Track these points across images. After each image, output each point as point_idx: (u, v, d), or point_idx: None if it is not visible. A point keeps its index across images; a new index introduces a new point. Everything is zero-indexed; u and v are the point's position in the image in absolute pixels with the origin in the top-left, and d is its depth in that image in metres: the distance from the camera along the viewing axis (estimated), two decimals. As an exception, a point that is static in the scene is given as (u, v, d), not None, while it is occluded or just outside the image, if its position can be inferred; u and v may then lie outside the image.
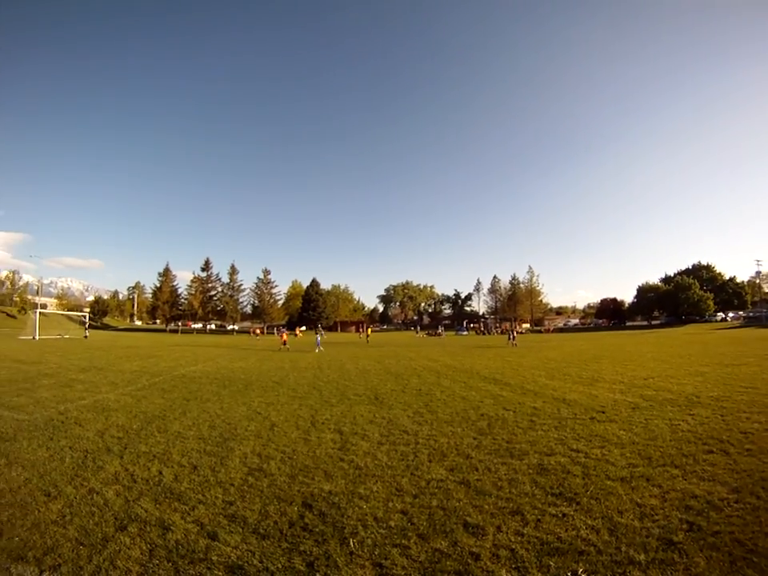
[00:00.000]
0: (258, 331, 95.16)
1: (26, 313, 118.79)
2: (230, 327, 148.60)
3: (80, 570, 5.02)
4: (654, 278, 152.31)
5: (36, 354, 35.90)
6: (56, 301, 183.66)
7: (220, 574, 4.92)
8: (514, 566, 4.86)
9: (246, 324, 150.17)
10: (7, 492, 7.37)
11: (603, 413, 12.56)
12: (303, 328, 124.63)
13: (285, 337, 53.01)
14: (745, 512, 5.99)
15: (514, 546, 5.25)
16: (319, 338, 48.64)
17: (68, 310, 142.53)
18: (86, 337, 73.35)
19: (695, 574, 4.62)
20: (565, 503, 6.44)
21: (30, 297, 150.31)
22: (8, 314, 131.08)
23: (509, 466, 8.26)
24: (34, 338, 63.58)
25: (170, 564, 5.10)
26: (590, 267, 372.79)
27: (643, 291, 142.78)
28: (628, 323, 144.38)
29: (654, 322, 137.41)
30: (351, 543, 5.49)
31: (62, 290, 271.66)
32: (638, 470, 7.74)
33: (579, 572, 4.67)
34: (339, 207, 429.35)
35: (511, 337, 53.94)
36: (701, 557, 4.90)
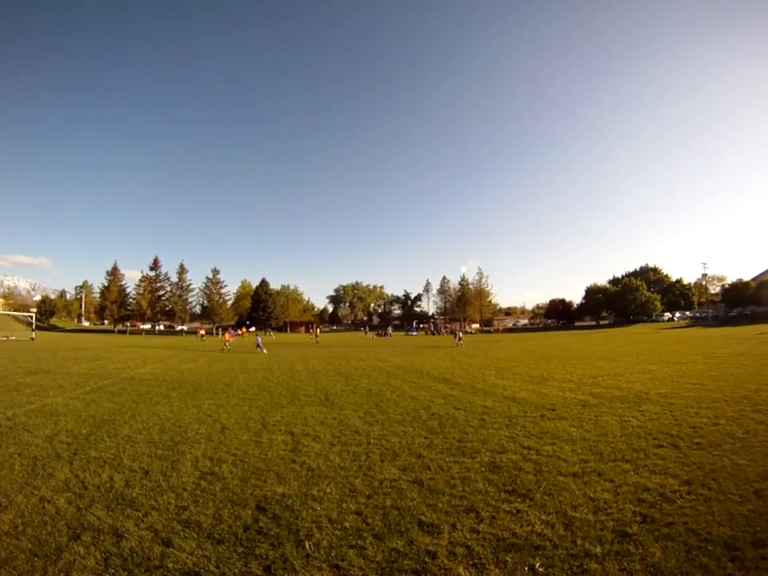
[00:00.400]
0: (203, 332, 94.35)
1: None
2: (179, 328, 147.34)
3: (36, 582, 4.91)
4: (602, 280, 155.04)
5: (-20, 357, 35.04)
6: (2, 300, 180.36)
7: (177, 580, 4.84)
8: (471, 562, 4.86)
9: (195, 324, 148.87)
10: (-45, 502, 7.17)
11: (553, 410, 12.72)
12: (253, 329, 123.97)
13: (227, 337, 53.06)
14: (697, 503, 6.11)
15: (470, 543, 5.25)
16: (259, 339, 48.47)
17: (14, 310, 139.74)
18: (32, 338, 71.81)
19: (651, 563, 4.67)
20: (518, 500, 6.47)
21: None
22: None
23: (461, 464, 8.30)
24: (-23, 339, 62.07)
25: (126, 573, 4.99)
26: (539, 268, 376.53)
27: (591, 292, 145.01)
28: (576, 323, 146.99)
29: (602, 322, 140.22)
30: (307, 545, 5.45)
31: (8, 289, 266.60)
32: (590, 466, 7.84)
33: (537, 566, 4.68)
34: (289, 207, 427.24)
35: (457, 337, 54.53)
36: (656, 547, 4.97)
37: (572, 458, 8.35)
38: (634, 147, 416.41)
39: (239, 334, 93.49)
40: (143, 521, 6.31)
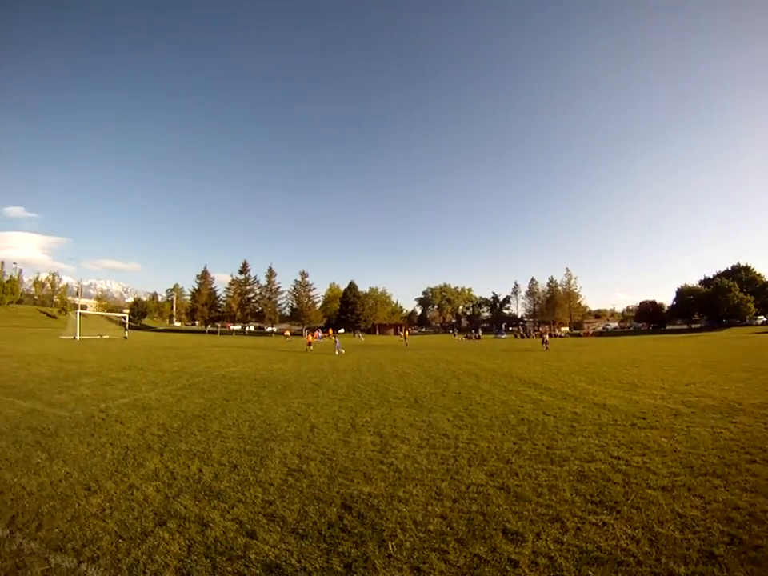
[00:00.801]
0: (288, 333, 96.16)
1: (66, 313, 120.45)
2: (269, 329, 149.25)
3: (118, 562, 5.18)
4: (694, 280, 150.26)
5: (77, 353, 36.62)
6: (95, 302, 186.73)
7: (257, 572, 5.02)
8: (552, 574, 4.86)
9: (285, 326, 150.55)
10: (48, 485, 7.61)
11: (644, 419, 12.41)
12: (342, 331, 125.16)
13: (311, 338, 54.12)
14: (788, 525, 5.87)
15: (553, 554, 5.23)
16: (338, 341, 48.57)
17: (108, 311, 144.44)
18: (125, 337, 74.32)
19: (735, 588, 4.57)
20: (605, 511, 6.39)
21: (69, 298, 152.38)
22: (49, 315, 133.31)
23: (549, 471, 8.22)
24: (74, 337, 64.42)
25: (208, 560, 5.22)
26: (629, 269, 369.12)
27: (682, 294, 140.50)
28: (668, 326, 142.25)
29: (693, 326, 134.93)
30: (390, 546, 5.53)
31: (102, 291, 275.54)
32: (680, 479, 7.64)
33: None
34: (378, 210, 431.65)
35: (544, 341, 53.88)
36: (741, 571, 4.83)
37: (662, 470, 8.15)
38: (728, 147, 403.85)
39: (326, 335, 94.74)
40: (229, 512, 6.56)
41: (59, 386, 18.39)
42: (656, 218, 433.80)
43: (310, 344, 51.24)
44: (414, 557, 5.27)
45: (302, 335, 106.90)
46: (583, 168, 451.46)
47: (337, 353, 44.19)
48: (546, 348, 49.88)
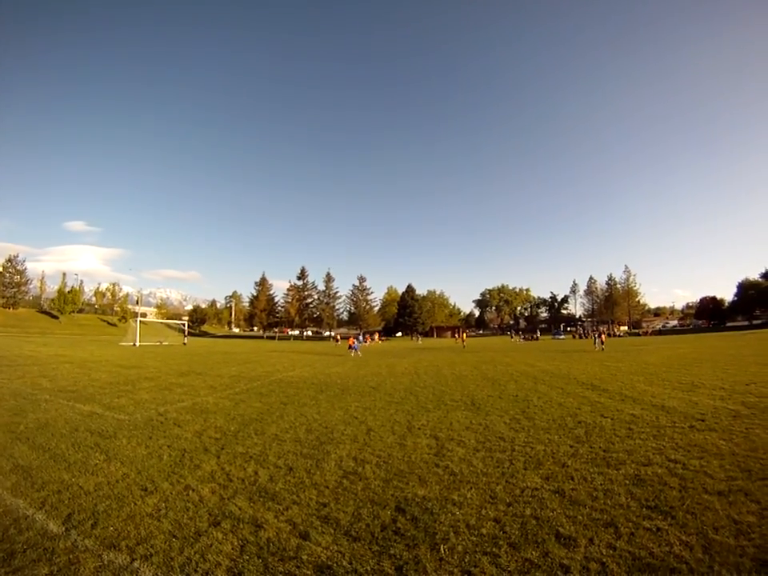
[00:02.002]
0: (338, 337, 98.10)
1: (126, 321, 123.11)
2: (327, 334, 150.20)
3: (170, 560, 5.36)
4: (756, 273, 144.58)
5: (136, 359, 37.40)
6: (155, 310, 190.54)
7: (308, 572, 5.12)
8: (603, 580, 4.86)
9: (343, 330, 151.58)
10: (105, 485, 7.89)
11: (703, 421, 12.23)
12: (399, 334, 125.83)
13: (351, 341, 54.26)
14: None
15: (605, 560, 5.23)
16: (357, 344, 50.49)
17: (167, 319, 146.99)
18: (184, 343, 76.01)
19: (788, 598, 4.52)
20: (660, 517, 6.34)
21: (129, 306, 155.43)
22: (109, 323, 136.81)
23: (605, 475, 8.19)
24: (134, 344, 65.90)
25: (260, 560, 5.35)
26: (687, 264, 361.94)
27: (744, 288, 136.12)
28: (728, 323, 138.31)
29: (755, 322, 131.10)
30: (442, 549, 5.57)
31: (161, 299, 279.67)
32: (737, 484, 7.53)
33: None
34: (435, 213, 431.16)
35: (596, 341, 53.61)
36: (794, 581, 4.77)
37: (719, 474, 8.05)
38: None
39: (374, 340, 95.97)
40: (283, 514, 6.69)
41: (119, 391, 18.91)
42: (714, 209, 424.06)
43: (350, 347, 51.57)
44: (466, 560, 5.32)
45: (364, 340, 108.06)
46: (641, 166, 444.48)
47: (352, 354, 46.02)
48: (602, 348, 49.43)
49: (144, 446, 10.49)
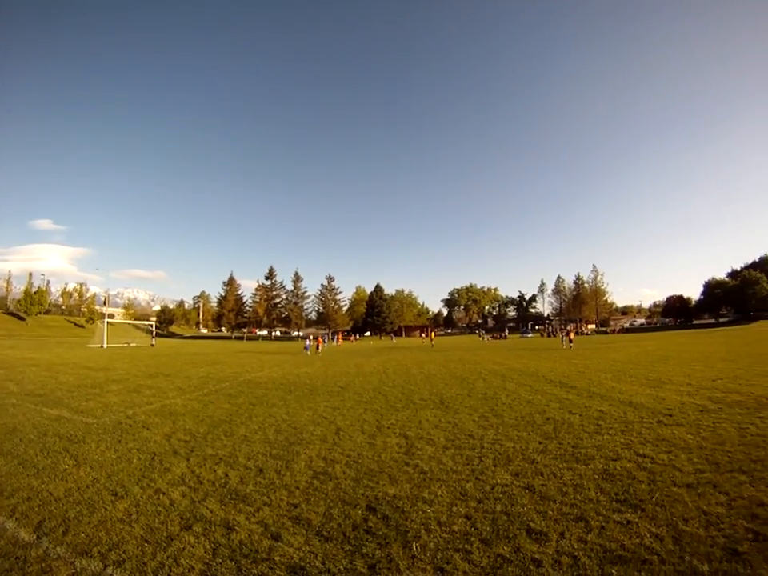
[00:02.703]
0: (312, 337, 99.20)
1: (93, 322, 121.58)
2: (295, 334, 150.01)
3: (143, 566, 5.27)
4: (722, 273, 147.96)
5: (104, 361, 37.00)
6: (123, 311, 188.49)
7: (282, 574, 5.08)
8: (575, 573, 4.88)
9: (311, 330, 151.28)
10: (75, 491, 7.75)
11: (670, 416, 12.38)
12: (368, 333, 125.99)
13: (320, 342, 56.71)
14: (814, 522, 5.84)
15: (576, 554, 5.25)
16: (309, 342, 53.81)
17: (135, 319, 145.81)
18: (152, 345, 75.57)
19: (759, 586, 4.55)
20: (630, 510, 6.39)
21: (97, 307, 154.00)
22: (76, 324, 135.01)
23: (574, 471, 8.24)
24: (101, 346, 65.08)
25: (233, 563, 5.30)
26: (654, 263, 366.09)
27: (710, 287, 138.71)
28: (695, 321, 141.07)
29: (721, 320, 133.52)
30: (414, 547, 5.56)
31: (129, 300, 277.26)
32: (705, 476, 7.62)
33: None
34: (403, 213, 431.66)
35: (563, 339, 54.43)
36: (765, 569, 4.82)
37: (687, 467, 8.14)
38: (749, 139, 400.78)
39: (348, 339, 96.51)
40: (254, 515, 6.65)
41: (87, 394, 18.65)
42: (681, 210, 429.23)
43: (318, 347, 53.96)
44: (438, 557, 5.31)
45: (331, 339, 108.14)
46: (606, 164, 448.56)
47: (308, 353, 48.80)
48: (570, 346, 49.83)
49: (113, 449, 10.36)
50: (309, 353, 50.10)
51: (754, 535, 5.53)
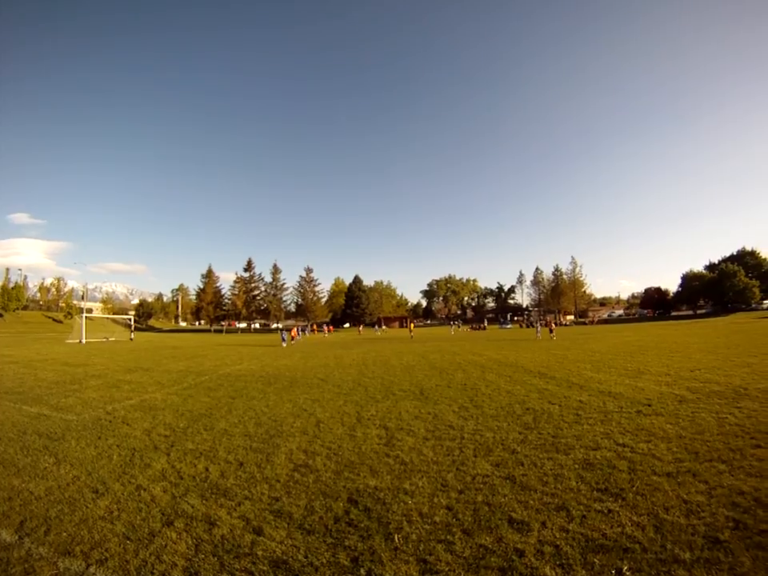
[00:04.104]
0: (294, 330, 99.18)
1: (72, 317, 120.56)
2: (275, 326, 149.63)
3: (126, 564, 5.20)
4: (699, 266, 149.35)
5: (83, 357, 36.55)
6: (101, 305, 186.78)
7: (265, 568, 5.03)
8: (558, 562, 4.87)
9: (290, 322, 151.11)
10: (56, 489, 7.63)
11: (650, 406, 12.46)
12: (346, 325, 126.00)
13: (294, 333, 59.35)
14: (793, 509, 5.89)
15: (558, 543, 5.25)
16: (284, 334, 54.13)
17: (113, 314, 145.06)
18: (131, 339, 74.81)
19: (740, 573, 4.58)
20: (611, 499, 6.41)
21: (75, 302, 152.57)
22: (54, 320, 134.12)
23: (554, 460, 8.25)
24: (80, 341, 64.48)
25: (216, 558, 5.25)
26: (633, 256, 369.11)
27: (688, 280, 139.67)
28: (673, 313, 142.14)
29: (699, 312, 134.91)
30: (396, 539, 5.54)
31: (107, 294, 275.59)
32: (685, 465, 7.66)
33: (624, 570, 4.65)
34: (382, 204, 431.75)
35: (538, 330, 55.12)
36: (746, 556, 4.84)
37: (667, 456, 8.18)
38: (727, 133, 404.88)
39: (322, 331, 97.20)
40: (236, 510, 6.60)
41: (66, 390, 18.45)
42: (660, 203, 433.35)
43: (292, 339, 55.94)
44: (421, 549, 5.30)
45: (312, 331, 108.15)
46: (586, 156, 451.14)
47: (284, 345, 49.73)
48: (552, 337, 50.24)
49: (93, 446, 10.24)
50: (285, 345, 50.60)
51: (734, 523, 5.56)
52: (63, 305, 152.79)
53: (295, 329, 65.94)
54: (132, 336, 78.40)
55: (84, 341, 64.80)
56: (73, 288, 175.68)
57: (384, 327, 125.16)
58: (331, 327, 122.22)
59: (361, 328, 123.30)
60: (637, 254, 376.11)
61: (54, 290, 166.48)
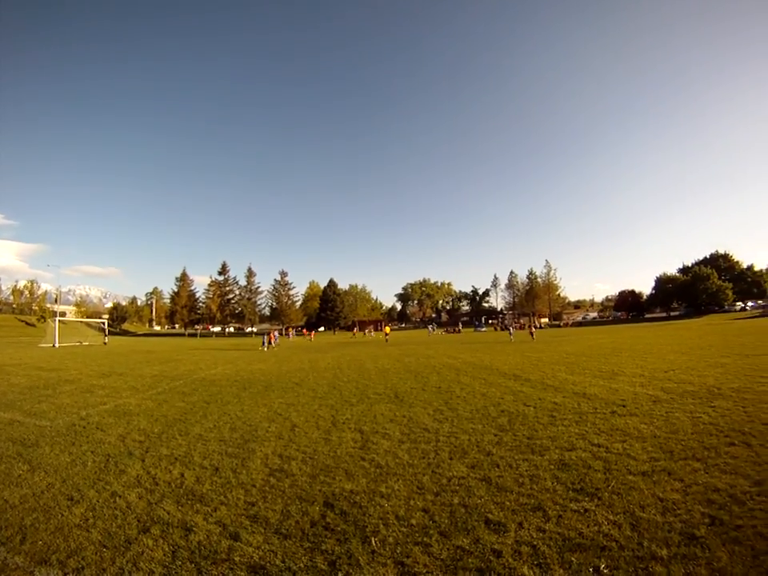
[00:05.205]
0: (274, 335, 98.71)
1: (45, 321, 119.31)
2: (249, 330, 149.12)
3: (103, 572, 5.13)
4: (673, 269, 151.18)
5: (56, 361, 36.07)
6: (75, 308, 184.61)
7: (242, 574, 5.00)
8: (536, 562, 4.88)
9: (265, 326, 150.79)
10: (31, 497, 7.51)
11: (624, 407, 12.51)
12: (321, 329, 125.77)
13: (272, 337, 58.97)
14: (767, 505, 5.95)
15: (535, 543, 5.26)
16: (265, 338, 55.89)
17: (87, 317, 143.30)
18: (105, 343, 74.06)
19: (718, 568, 4.60)
20: (586, 498, 6.44)
21: (48, 305, 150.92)
22: (27, 323, 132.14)
23: (530, 462, 8.27)
24: (53, 345, 63.76)
25: (193, 565, 5.19)
26: (608, 259, 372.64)
27: (661, 282, 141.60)
28: (647, 315, 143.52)
29: (672, 314, 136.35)
30: (373, 542, 5.53)
31: (81, 297, 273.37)
32: (660, 464, 7.71)
33: (601, 568, 4.67)
34: (356, 208, 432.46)
35: (512, 333, 56.07)
36: (723, 551, 4.88)
37: (642, 456, 8.23)
38: (701, 135, 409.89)
39: (303, 334, 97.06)
40: (212, 515, 6.55)
41: (39, 396, 18.19)
42: (633, 207, 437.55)
43: (272, 341, 56.57)
44: (398, 551, 5.29)
45: (287, 335, 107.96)
46: (558, 160, 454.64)
47: (265, 348, 51.34)
48: (532, 339, 50.42)
49: (67, 452, 10.11)
50: (265, 349, 51.22)
51: (710, 519, 5.61)
52: (36, 308, 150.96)
53: (274, 333, 66.00)
54: (106, 340, 77.56)
55: (57, 345, 64.12)
56: (46, 291, 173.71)
57: (367, 330, 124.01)
58: (309, 330, 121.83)
59: (355, 331, 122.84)
60: (611, 258, 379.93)
61: (27, 292, 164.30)
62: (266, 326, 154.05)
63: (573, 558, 4.90)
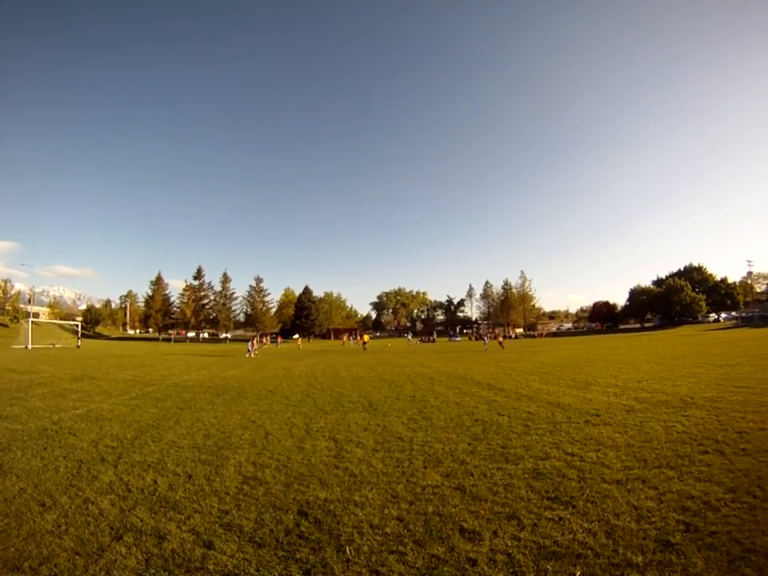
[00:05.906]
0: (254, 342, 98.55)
1: (18, 322, 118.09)
2: (223, 336, 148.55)
3: (76, 579, 5.02)
4: (647, 281, 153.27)
5: (29, 364, 35.71)
6: (48, 309, 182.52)
7: (217, 582, 4.90)
8: (511, 570, 4.86)
9: (239, 332, 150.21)
10: (2, 502, 7.36)
11: (598, 416, 12.55)
12: (296, 336, 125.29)
13: (254, 344, 58.59)
14: (742, 511, 5.99)
15: (510, 551, 5.23)
16: (250, 345, 54.99)
17: (60, 319, 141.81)
18: (78, 346, 73.24)
19: (693, 574, 4.61)
20: (561, 507, 6.43)
21: (21, 306, 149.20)
22: (0, 324, 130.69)
23: (504, 470, 8.25)
24: (26, 347, 63.43)
25: (167, 573, 5.10)
26: (582, 271, 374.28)
27: (635, 294, 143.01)
28: (621, 326, 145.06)
29: (646, 325, 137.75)
30: (348, 550, 5.47)
31: (55, 298, 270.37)
32: (634, 473, 7.74)
33: (577, 575, 4.65)
34: (332, 215, 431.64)
35: (486, 342, 56.67)
36: (698, 557, 4.89)
37: (616, 464, 8.26)
38: (674, 146, 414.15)
39: (277, 342, 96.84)
40: (185, 523, 6.45)
41: (11, 398, 17.98)
42: (608, 220, 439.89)
43: (252, 348, 55.45)
44: (373, 560, 5.25)
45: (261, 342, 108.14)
46: (533, 170, 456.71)
47: (250, 355, 50.20)
48: (502, 348, 50.61)
49: (39, 457, 9.96)
50: (250, 356, 50.74)
51: (685, 526, 5.63)
52: (9, 308, 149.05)
53: (256, 339, 66.22)
54: (79, 343, 76.85)
55: (30, 347, 63.83)
56: (20, 291, 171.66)
57: (358, 338, 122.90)
58: (285, 338, 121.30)
59: (345, 338, 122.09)
60: (585, 270, 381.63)
61: (0, 292, 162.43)
62: (240, 332, 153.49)
63: (548, 566, 4.87)
